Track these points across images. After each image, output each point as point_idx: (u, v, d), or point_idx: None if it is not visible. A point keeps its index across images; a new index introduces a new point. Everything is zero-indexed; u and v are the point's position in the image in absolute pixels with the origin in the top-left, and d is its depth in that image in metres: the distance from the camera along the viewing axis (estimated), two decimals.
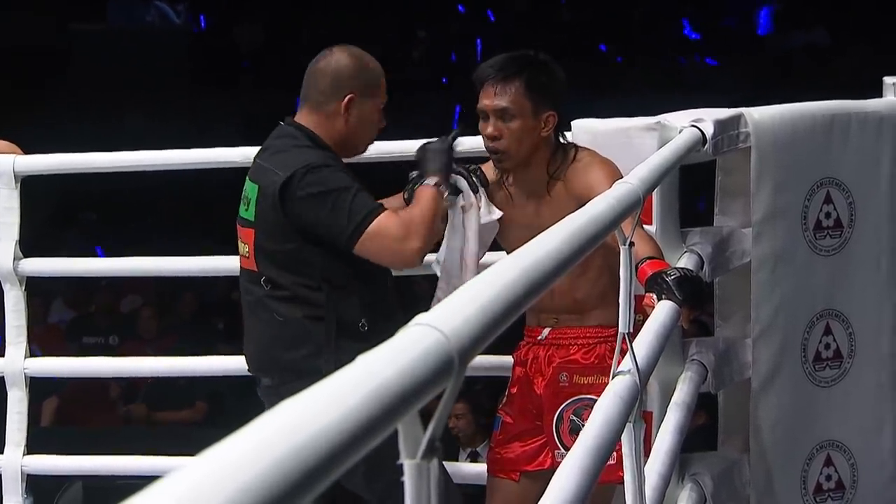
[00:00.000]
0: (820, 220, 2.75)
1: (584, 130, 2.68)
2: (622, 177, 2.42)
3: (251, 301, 2.44)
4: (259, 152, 2.48)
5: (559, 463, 2.47)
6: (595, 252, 2.37)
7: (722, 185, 2.77)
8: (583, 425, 2.47)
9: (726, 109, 2.67)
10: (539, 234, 2.45)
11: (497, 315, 0.96)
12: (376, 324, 2.40)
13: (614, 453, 2.37)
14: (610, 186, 2.38)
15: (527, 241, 2.49)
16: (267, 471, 0.61)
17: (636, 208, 1.72)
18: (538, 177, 2.52)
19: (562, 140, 2.54)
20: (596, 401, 2.45)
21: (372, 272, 2.40)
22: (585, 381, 2.53)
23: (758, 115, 2.68)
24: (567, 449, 2.48)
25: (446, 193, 2.45)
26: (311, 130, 2.42)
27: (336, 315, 2.37)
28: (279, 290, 2.39)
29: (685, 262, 2.48)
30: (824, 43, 9.96)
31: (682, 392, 2.38)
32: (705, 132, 2.55)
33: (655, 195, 2.50)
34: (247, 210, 2.42)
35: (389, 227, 2.33)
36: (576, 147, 2.55)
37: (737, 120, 2.65)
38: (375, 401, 0.72)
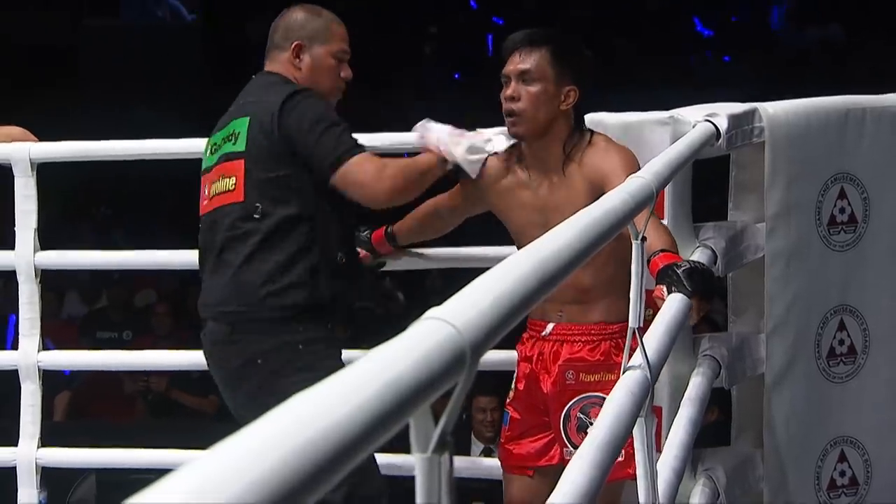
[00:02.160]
0: (834, 215, 2.74)
1: (597, 124, 2.67)
2: (639, 165, 2.43)
3: (229, 237, 2.41)
4: (239, 98, 2.54)
5: (568, 461, 2.47)
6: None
7: (736, 179, 2.76)
8: (590, 423, 2.49)
9: (740, 104, 2.66)
10: (550, 214, 2.51)
11: (510, 309, 0.96)
12: (351, 257, 2.45)
13: (622, 451, 2.40)
14: (626, 174, 2.40)
15: (537, 222, 2.54)
16: (279, 464, 0.61)
17: (649, 203, 1.72)
18: (553, 153, 2.50)
19: (583, 126, 2.53)
20: (603, 398, 2.47)
21: (349, 204, 2.42)
22: (592, 379, 2.51)
23: (772, 110, 2.67)
24: (575, 447, 2.48)
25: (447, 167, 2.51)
26: (284, 75, 2.51)
27: (319, 248, 2.39)
28: (266, 219, 2.38)
29: (698, 256, 2.47)
30: (839, 38, 9.92)
31: (695, 387, 2.38)
32: (719, 127, 2.55)
33: (668, 190, 2.50)
34: (234, 144, 2.44)
35: (371, 162, 2.38)
36: (592, 132, 2.54)
37: (751, 115, 2.64)
38: (388, 395, 0.72)
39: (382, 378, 0.73)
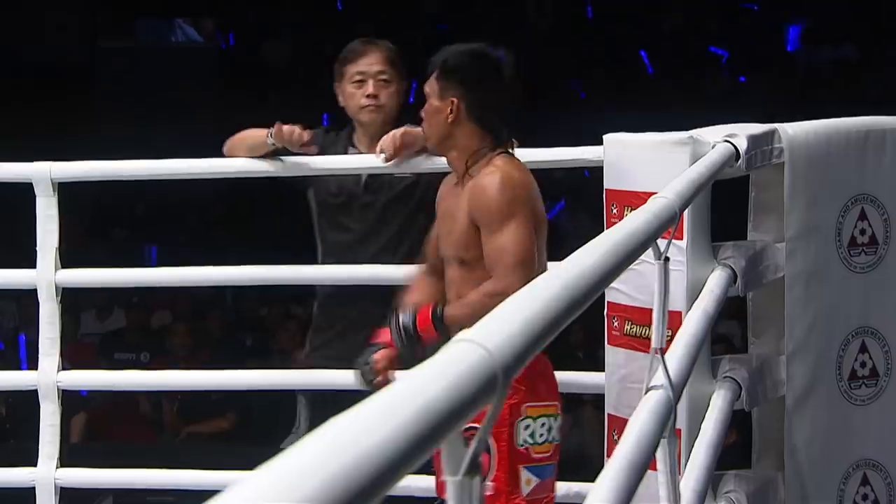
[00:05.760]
0: (854, 236, 2.73)
1: (616, 144, 2.67)
2: (515, 201, 2.42)
3: None
4: None
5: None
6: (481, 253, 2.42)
7: (755, 200, 2.76)
8: None
9: (759, 125, 2.66)
10: (450, 224, 2.53)
11: (540, 330, 0.96)
12: None
13: (492, 485, 2.41)
14: (488, 209, 2.41)
15: (444, 230, 2.55)
16: (318, 490, 0.60)
17: (672, 223, 1.71)
18: (458, 168, 2.55)
19: (503, 144, 2.51)
20: (476, 428, 2.43)
21: None
22: None
23: (791, 131, 2.66)
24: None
25: None
26: None
27: None
28: None
29: (718, 275, 2.46)
30: (853, 58, 9.90)
31: (716, 409, 2.36)
32: (738, 147, 2.54)
33: (687, 210, 2.49)
34: None
35: None
36: (506, 155, 2.52)
37: (770, 135, 2.63)
38: (422, 419, 0.71)
39: (416, 402, 0.73)
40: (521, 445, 2.42)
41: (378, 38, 3.08)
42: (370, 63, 2.96)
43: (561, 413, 2.51)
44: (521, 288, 2.31)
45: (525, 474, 2.43)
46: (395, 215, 2.94)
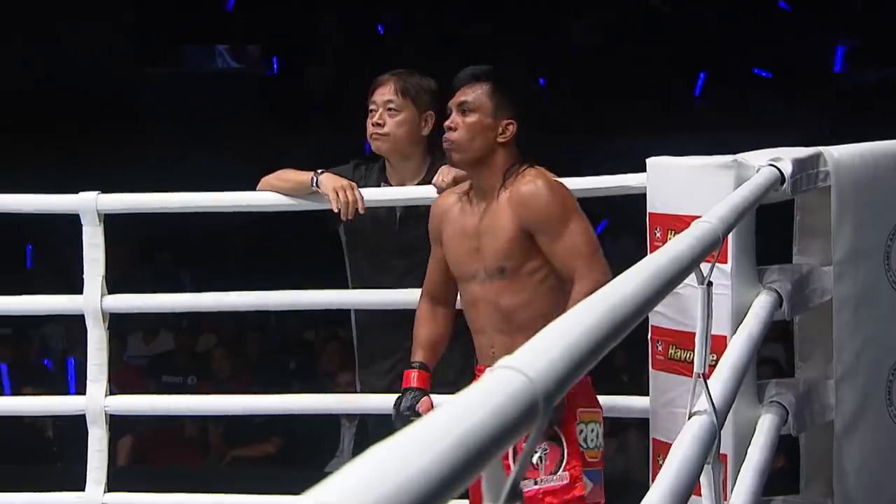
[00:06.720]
0: None
1: (660, 168, 2.66)
2: (567, 201, 2.48)
3: None
4: None
5: None
6: (532, 267, 2.44)
7: (800, 224, 2.73)
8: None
9: (804, 148, 2.63)
10: (482, 239, 2.55)
11: (581, 357, 0.95)
12: None
13: (567, 473, 2.37)
14: (546, 214, 2.44)
15: (471, 247, 2.57)
16: None
17: (716, 248, 1.70)
18: (492, 184, 2.54)
19: (526, 161, 2.55)
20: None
21: None
22: None
23: (837, 154, 2.64)
24: None
25: None
26: None
27: None
28: None
29: (763, 300, 2.44)
30: None
31: (763, 434, 2.34)
32: (783, 171, 2.52)
33: (732, 234, 2.47)
34: None
35: None
36: (534, 167, 2.56)
37: (815, 158, 2.61)
38: (464, 446, 0.71)
39: (457, 430, 0.73)
40: (581, 447, 2.46)
41: (418, 64, 3.10)
42: (381, 93, 2.98)
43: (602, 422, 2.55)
44: (608, 275, 2.41)
45: (583, 476, 2.46)
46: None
